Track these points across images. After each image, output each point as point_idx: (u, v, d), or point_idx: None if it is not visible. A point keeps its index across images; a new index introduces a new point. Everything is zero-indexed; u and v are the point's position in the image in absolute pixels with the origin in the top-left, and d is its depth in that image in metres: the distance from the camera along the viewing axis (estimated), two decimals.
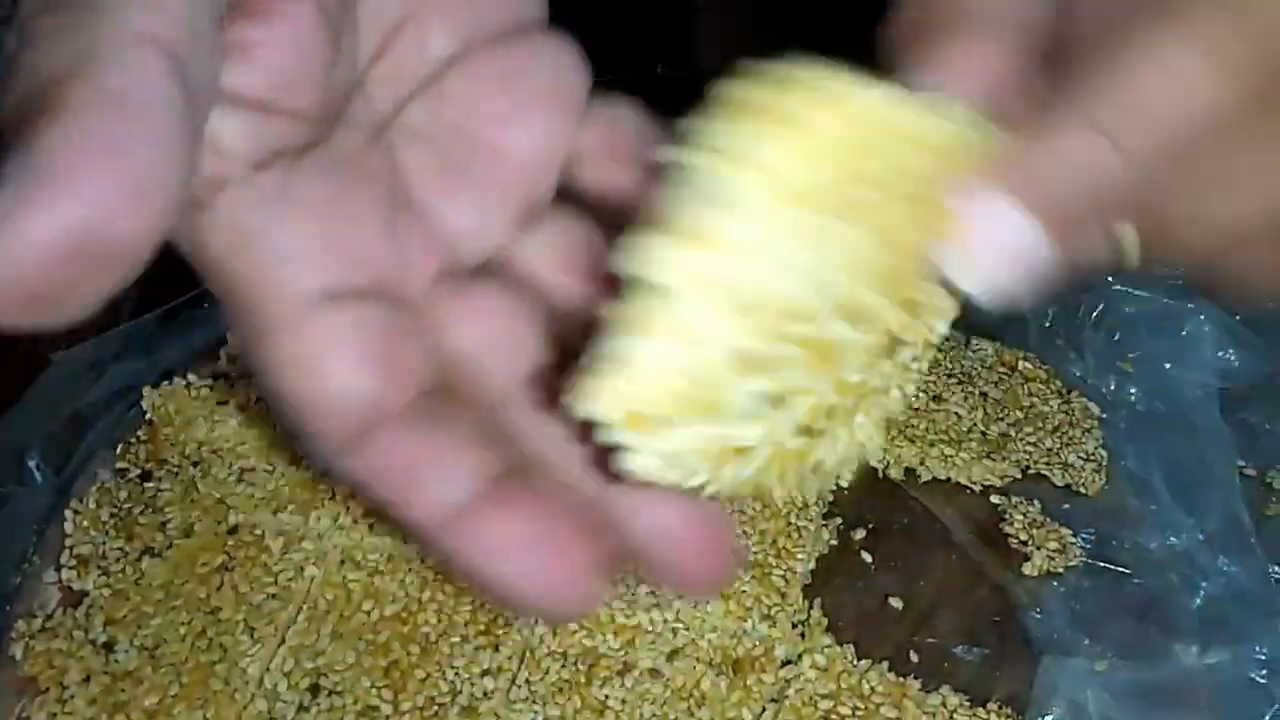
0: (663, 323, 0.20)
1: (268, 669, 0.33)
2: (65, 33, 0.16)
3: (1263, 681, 0.32)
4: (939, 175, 0.21)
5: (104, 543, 0.36)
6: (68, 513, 0.37)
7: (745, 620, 0.34)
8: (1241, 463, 0.41)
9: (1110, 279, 0.44)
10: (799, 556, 0.36)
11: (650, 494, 0.23)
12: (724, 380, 0.20)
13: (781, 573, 0.36)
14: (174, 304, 0.46)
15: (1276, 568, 0.38)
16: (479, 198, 0.23)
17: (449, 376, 0.22)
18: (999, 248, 0.21)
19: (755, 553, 0.36)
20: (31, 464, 0.40)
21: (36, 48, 0.16)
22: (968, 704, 0.33)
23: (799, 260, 0.20)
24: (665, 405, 0.19)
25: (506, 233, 0.23)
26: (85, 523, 0.36)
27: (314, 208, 0.21)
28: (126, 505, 0.37)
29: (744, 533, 0.37)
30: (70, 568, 0.35)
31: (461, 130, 0.24)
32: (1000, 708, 0.33)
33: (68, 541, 0.36)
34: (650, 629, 0.34)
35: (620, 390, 0.19)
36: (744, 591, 0.35)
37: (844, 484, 0.39)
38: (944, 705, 0.33)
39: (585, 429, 0.19)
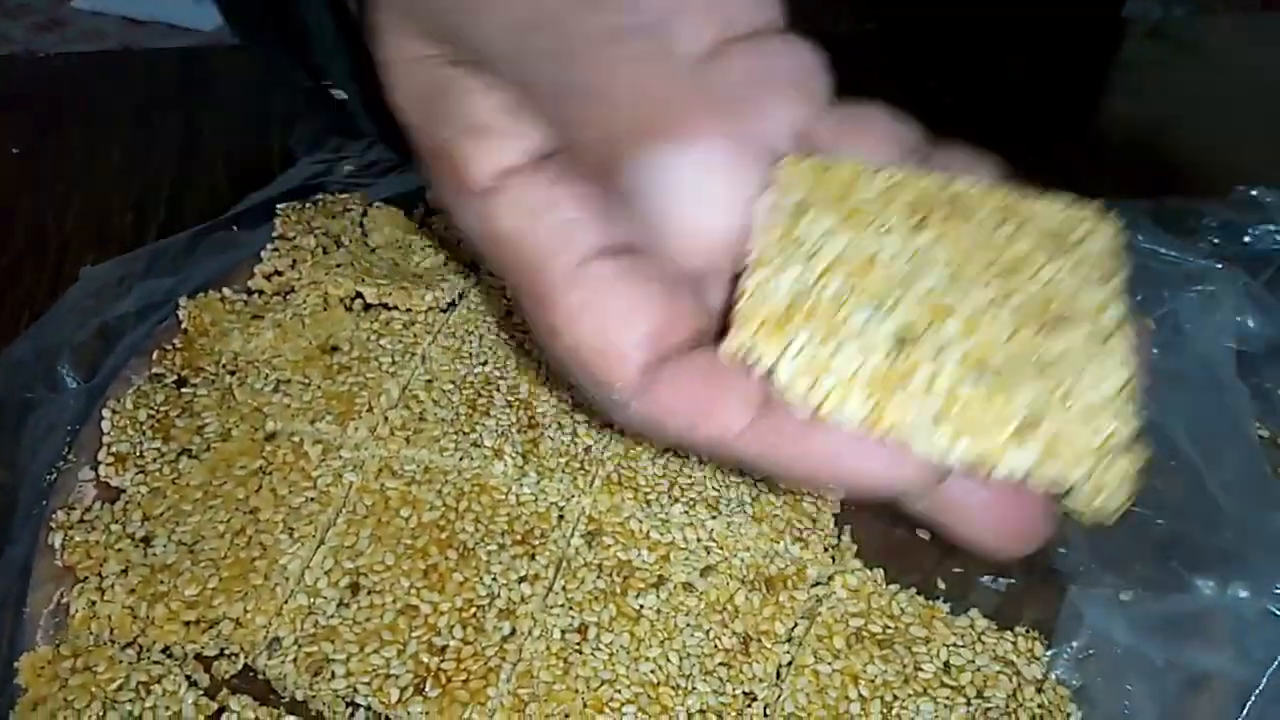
0: (783, 255, 0.23)
1: (308, 567, 0.33)
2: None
3: (1278, 613, 0.33)
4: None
5: (141, 442, 0.36)
6: (105, 412, 0.37)
7: (778, 542, 0.35)
8: (1256, 424, 0.42)
9: (1140, 238, 0.45)
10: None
11: None
12: (842, 303, 0.22)
13: (813, 500, 0.36)
14: (203, 225, 0.46)
15: None
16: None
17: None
18: None
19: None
20: (62, 370, 0.40)
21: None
22: (995, 627, 0.33)
23: (894, 245, 0.23)
24: (789, 314, 0.22)
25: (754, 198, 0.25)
26: (122, 423, 0.36)
27: (585, 179, 0.23)
28: (163, 408, 0.37)
29: None
30: (108, 465, 0.35)
31: None
32: (1027, 632, 0.33)
33: (105, 440, 0.36)
34: (684, 546, 0.34)
35: (750, 313, 0.22)
36: (776, 515, 0.35)
37: None
38: (972, 627, 0.33)
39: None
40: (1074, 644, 0.33)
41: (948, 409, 0.21)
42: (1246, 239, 0.52)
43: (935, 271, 0.22)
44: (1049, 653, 0.33)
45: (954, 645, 0.33)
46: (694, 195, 0.24)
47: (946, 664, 0.32)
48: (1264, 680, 0.32)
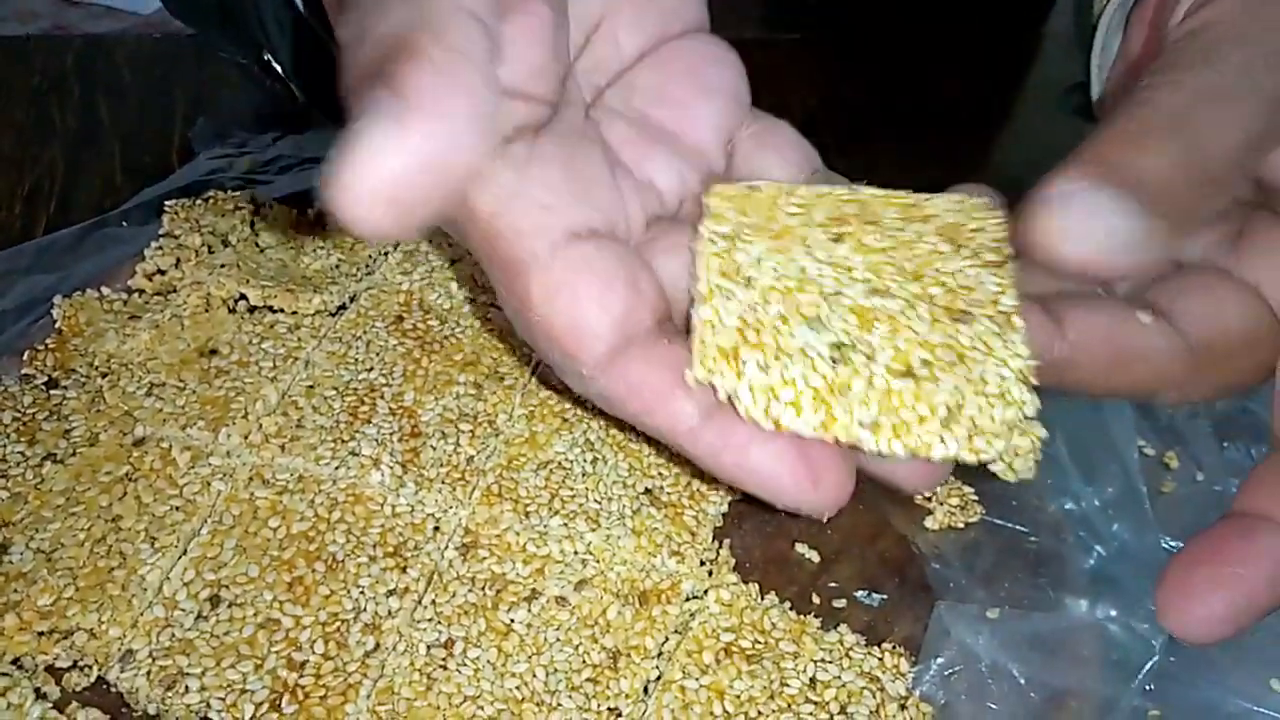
0: (726, 285, 0.25)
1: (167, 578, 0.32)
2: (407, 5, 0.20)
3: (1143, 632, 0.34)
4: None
5: (4, 446, 0.35)
6: None
7: (655, 556, 0.35)
8: (1142, 443, 0.43)
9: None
10: (713, 500, 0.37)
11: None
12: (784, 323, 0.24)
13: (694, 514, 0.36)
14: (92, 221, 0.45)
15: (1168, 538, 0.39)
16: (674, 163, 0.28)
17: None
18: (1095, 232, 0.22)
19: (669, 493, 0.37)
20: None
21: (386, 16, 0.20)
22: (864, 643, 0.33)
23: (819, 260, 0.26)
24: (739, 345, 0.24)
25: (695, 192, 0.28)
26: None
27: (557, 167, 0.25)
28: (30, 411, 0.36)
29: (660, 474, 0.37)
30: None
31: (648, 115, 0.28)
32: (894, 648, 0.33)
33: None
34: (560, 559, 0.34)
35: (706, 344, 0.25)
36: (655, 529, 0.35)
37: None
38: (841, 643, 0.33)
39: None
40: (939, 660, 0.33)
41: (883, 410, 0.23)
42: None
43: (858, 281, 0.25)
44: (914, 669, 0.33)
45: (821, 661, 0.33)
46: None
47: (813, 679, 0.32)
48: (1122, 698, 0.33)
